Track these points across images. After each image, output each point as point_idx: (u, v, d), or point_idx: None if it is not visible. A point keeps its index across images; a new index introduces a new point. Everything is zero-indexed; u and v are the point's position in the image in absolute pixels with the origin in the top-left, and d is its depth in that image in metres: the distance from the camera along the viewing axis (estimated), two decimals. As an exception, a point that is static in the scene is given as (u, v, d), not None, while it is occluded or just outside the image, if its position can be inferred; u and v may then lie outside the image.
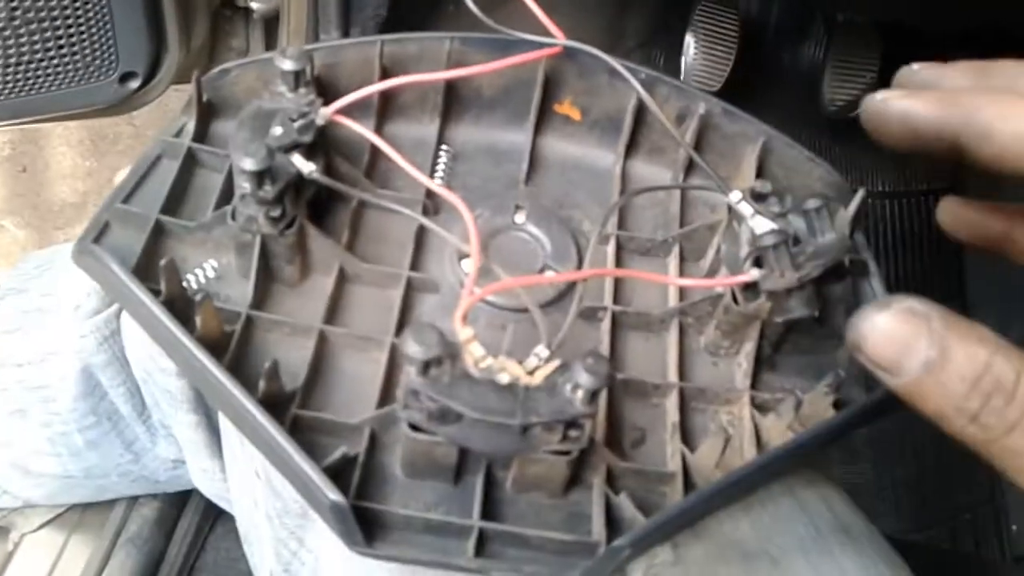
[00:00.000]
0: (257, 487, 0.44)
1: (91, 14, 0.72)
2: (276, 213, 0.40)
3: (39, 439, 0.60)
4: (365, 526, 0.36)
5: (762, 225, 0.39)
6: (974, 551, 0.91)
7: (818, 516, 0.42)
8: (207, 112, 0.47)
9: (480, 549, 0.37)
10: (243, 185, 0.39)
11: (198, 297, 0.38)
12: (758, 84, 0.97)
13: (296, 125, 0.41)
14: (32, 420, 0.60)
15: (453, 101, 0.50)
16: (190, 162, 0.45)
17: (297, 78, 0.42)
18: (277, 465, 0.37)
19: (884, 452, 0.97)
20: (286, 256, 0.42)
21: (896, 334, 0.30)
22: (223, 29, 0.96)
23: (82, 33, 0.72)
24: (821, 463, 0.46)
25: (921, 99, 0.33)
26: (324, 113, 0.42)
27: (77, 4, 0.70)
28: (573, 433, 0.35)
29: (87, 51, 0.74)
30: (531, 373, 0.34)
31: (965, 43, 0.86)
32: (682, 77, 0.96)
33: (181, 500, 0.76)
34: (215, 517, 0.79)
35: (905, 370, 0.30)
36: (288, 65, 0.41)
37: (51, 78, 0.74)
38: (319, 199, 0.44)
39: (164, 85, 0.82)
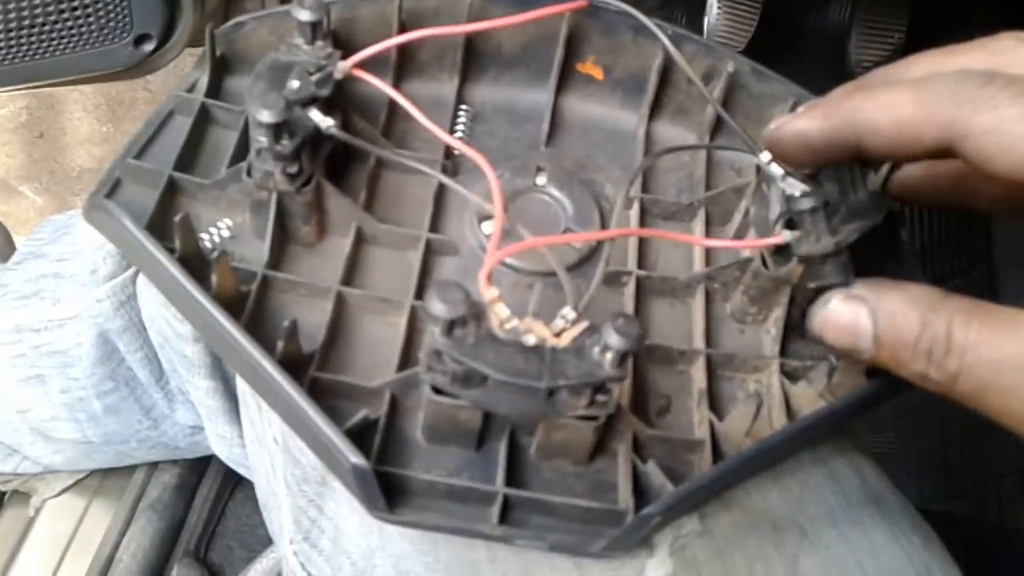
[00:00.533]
0: (275, 454, 0.44)
1: (104, -25, 0.71)
2: (293, 169, 0.39)
3: (58, 405, 0.60)
4: (387, 491, 0.35)
5: (794, 186, 0.37)
6: (999, 522, 0.90)
7: (848, 486, 0.41)
8: (221, 67, 0.46)
9: (504, 516, 0.36)
10: (260, 139, 0.38)
11: (214, 255, 0.37)
12: (782, 45, 0.95)
13: (314, 78, 0.39)
14: (51, 386, 0.59)
15: (473, 59, 0.48)
16: (203, 118, 0.44)
17: (315, 29, 0.41)
18: (296, 428, 0.36)
19: (909, 421, 0.96)
20: (302, 215, 0.41)
21: (843, 321, 0.34)
22: (238, -10, 0.95)
23: (96, -5, 0.71)
24: (851, 431, 0.45)
25: (807, 116, 0.34)
26: (342, 67, 0.41)
27: (90, -34, 0.69)
28: (600, 398, 0.34)
29: (101, 14, 0.73)
30: (558, 335, 0.33)
31: (990, 4, 0.84)
32: (705, 35, 0.94)
33: (201, 466, 0.76)
34: (235, 483, 0.79)
35: (863, 350, 0.33)
36: (305, 16, 0.40)
37: (65, 41, 0.73)
38: (336, 157, 0.43)
39: (179, 47, 0.81)
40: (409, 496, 0.36)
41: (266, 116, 0.36)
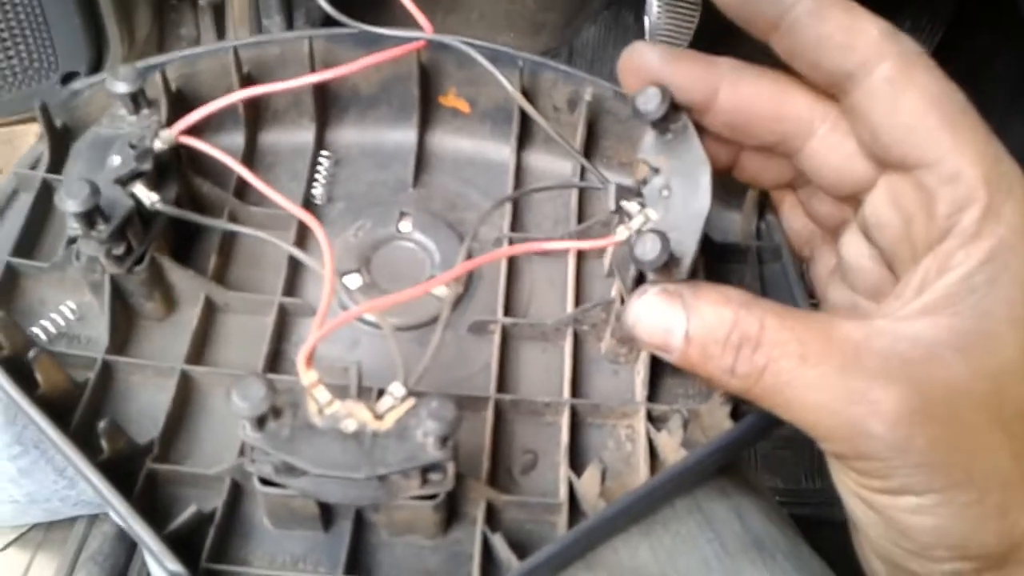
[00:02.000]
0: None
1: (22, 16, 0.70)
2: (119, 251, 0.38)
3: (-20, 468, 0.60)
4: None
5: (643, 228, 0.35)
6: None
7: (726, 532, 0.39)
8: (62, 138, 0.44)
9: None
10: (73, 226, 0.36)
11: (32, 354, 0.36)
12: (729, 37, 0.92)
13: (135, 152, 0.38)
14: (-29, 450, 0.59)
15: (330, 102, 0.47)
16: (46, 194, 0.43)
17: (135, 99, 0.39)
18: (128, 531, 0.35)
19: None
20: (143, 292, 0.40)
21: (656, 316, 0.33)
22: (170, 18, 0.93)
23: (15, 36, 0.70)
24: (737, 469, 0.43)
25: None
26: (167, 136, 0.39)
27: (7, 7, 0.68)
28: (434, 476, 0.32)
29: (23, 54, 0.72)
30: (381, 417, 0.32)
31: None
32: (647, 36, 0.91)
33: (143, 512, 0.76)
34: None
35: (672, 346, 0.33)
36: (122, 88, 0.38)
37: (-8, 84, 0.72)
38: (180, 226, 0.41)
39: (109, 82, 0.80)
40: None
41: (71, 206, 0.35)
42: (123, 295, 0.40)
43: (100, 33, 0.76)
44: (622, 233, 0.36)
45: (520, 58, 0.43)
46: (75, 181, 0.36)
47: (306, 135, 0.47)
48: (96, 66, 0.77)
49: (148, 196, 0.37)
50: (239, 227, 0.41)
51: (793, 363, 0.30)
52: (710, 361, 0.32)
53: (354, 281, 0.42)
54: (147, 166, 0.38)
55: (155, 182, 0.38)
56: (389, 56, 0.42)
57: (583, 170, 0.47)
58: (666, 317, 0.33)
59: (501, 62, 0.43)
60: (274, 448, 0.30)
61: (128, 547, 0.73)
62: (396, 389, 0.32)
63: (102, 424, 0.35)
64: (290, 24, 0.91)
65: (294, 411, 0.31)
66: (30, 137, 1.42)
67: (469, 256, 0.43)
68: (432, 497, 0.33)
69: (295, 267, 0.43)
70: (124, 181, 0.37)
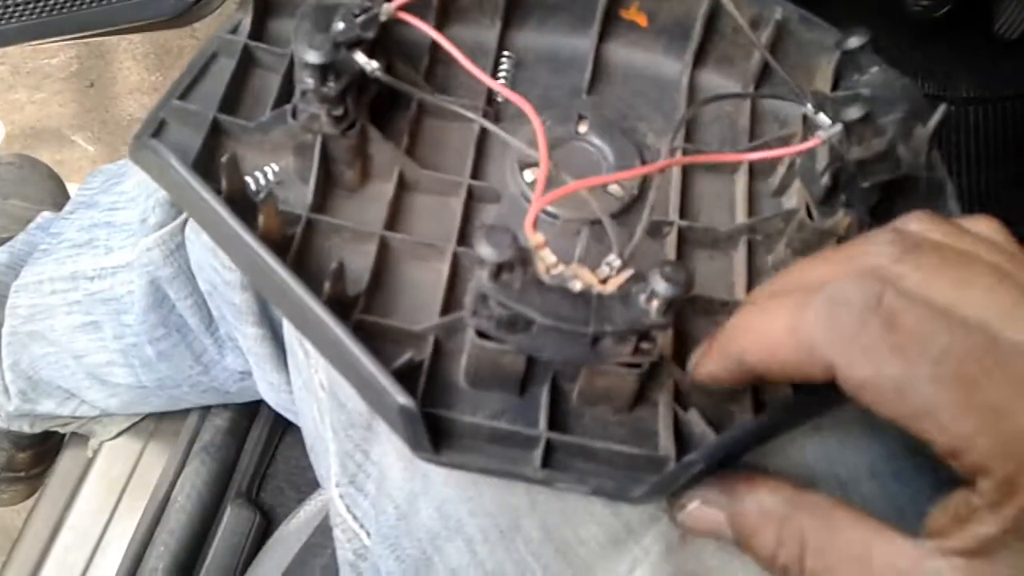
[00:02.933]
0: (322, 400, 0.45)
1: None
2: (338, 112, 0.39)
3: (112, 351, 0.62)
4: (431, 434, 0.35)
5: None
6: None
7: (892, 439, 0.41)
8: (264, 8, 0.45)
9: (547, 460, 0.35)
10: (306, 80, 0.37)
11: (260, 197, 0.37)
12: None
13: (359, 20, 0.39)
14: (105, 332, 0.61)
15: (515, 3, 0.48)
16: (247, 60, 0.44)
17: None
18: (342, 370, 0.36)
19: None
20: (346, 159, 0.41)
21: (704, 527, 0.35)
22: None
23: (142, -56, 0.71)
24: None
25: (706, 360, 0.35)
26: (387, 8, 0.40)
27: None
28: (645, 346, 0.33)
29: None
30: (603, 282, 0.33)
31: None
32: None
33: (251, 410, 0.78)
34: (284, 427, 0.81)
35: (725, 538, 0.35)
36: None
37: (113, -9, 0.74)
38: (378, 102, 0.42)
39: (224, -4, 0.81)
40: (453, 439, 0.36)
41: (313, 57, 0.36)
42: (328, 159, 0.41)
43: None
44: (823, 132, 0.37)
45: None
46: (315, 36, 0.37)
47: (486, 34, 0.48)
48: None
49: (368, 63, 0.39)
50: (450, 103, 0.43)
51: None
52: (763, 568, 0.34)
53: (532, 174, 0.44)
54: (371, 34, 0.39)
55: (368, 54, 0.40)
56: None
57: (756, 89, 0.48)
58: (713, 528, 0.35)
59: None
60: (507, 298, 0.31)
61: (239, 440, 0.75)
62: (613, 260, 0.34)
63: (334, 265, 0.36)
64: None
65: (524, 268, 0.32)
66: (120, 53, 1.44)
67: (643, 162, 0.45)
68: (637, 366, 0.35)
69: (479, 154, 0.44)
70: (348, 46, 0.39)
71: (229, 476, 0.75)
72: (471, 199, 0.43)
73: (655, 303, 0.32)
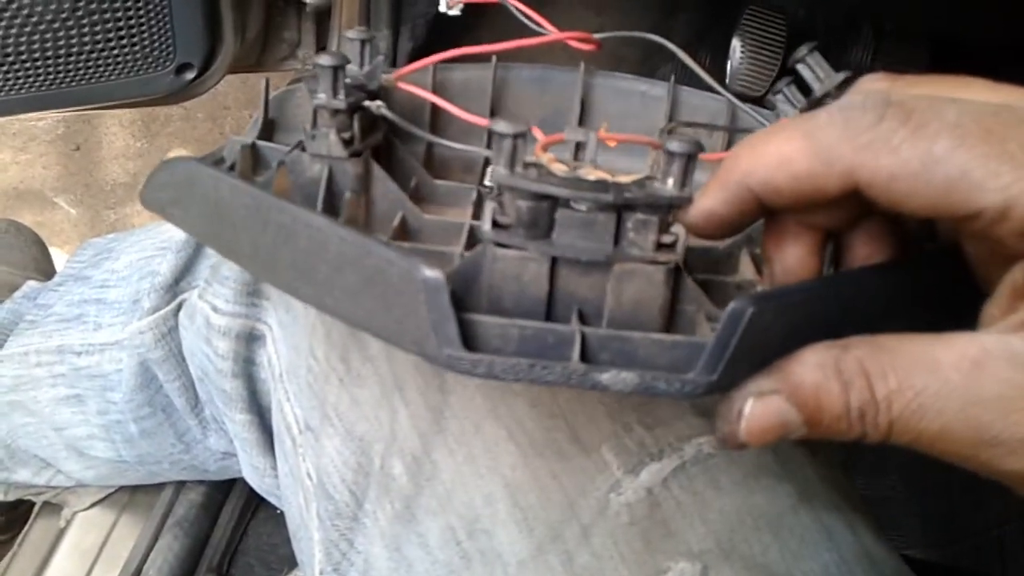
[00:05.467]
0: (308, 488, 0.46)
1: (151, 7, 0.74)
2: (347, 135, 0.42)
3: (95, 425, 0.63)
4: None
5: None
6: (1001, 571, 0.90)
7: (844, 543, 0.43)
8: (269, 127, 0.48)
9: (585, 357, 0.31)
10: (320, 96, 0.41)
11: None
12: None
13: (364, 70, 0.44)
14: (89, 406, 0.62)
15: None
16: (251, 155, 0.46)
17: (362, 47, 0.45)
18: (348, 296, 0.32)
19: (912, 463, 0.96)
20: (354, 187, 0.43)
21: (771, 425, 0.31)
22: (276, 20, 0.98)
23: (141, 25, 0.73)
24: (848, 491, 0.47)
25: (707, 194, 0.32)
26: (387, 77, 0.44)
27: (138, -3, 0.72)
28: (667, 239, 0.32)
29: (146, 43, 0.76)
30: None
31: (1013, 55, 0.85)
32: (727, 80, 0.96)
33: (226, 485, 0.79)
34: (257, 504, 0.81)
35: (797, 434, 0.31)
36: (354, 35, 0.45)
37: (110, 68, 0.76)
38: (383, 152, 0.45)
39: (218, 76, 0.84)
40: (481, 340, 0.31)
41: (326, 60, 0.39)
42: (333, 187, 0.43)
43: (217, 31, 0.80)
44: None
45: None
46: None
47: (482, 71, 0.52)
48: (208, 60, 0.81)
49: (373, 103, 0.42)
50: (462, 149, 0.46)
51: (914, 415, 0.28)
52: (843, 435, 0.30)
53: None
54: (375, 83, 0.44)
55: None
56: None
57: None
58: (779, 422, 0.30)
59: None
60: (525, 182, 0.30)
61: (213, 516, 0.76)
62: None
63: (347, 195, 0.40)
64: (396, 37, 0.95)
65: (538, 168, 0.32)
66: (107, 118, 1.45)
67: None
68: (664, 263, 0.32)
69: (480, 202, 0.46)
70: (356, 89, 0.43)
71: (201, 551, 0.75)
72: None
73: (671, 177, 0.31)
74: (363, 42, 0.44)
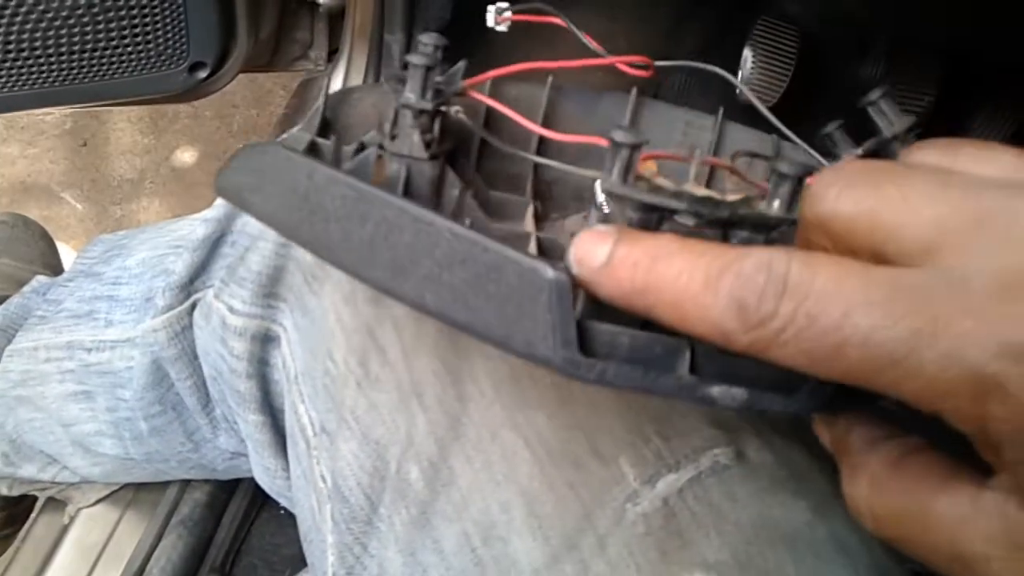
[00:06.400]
0: (322, 491, 0.46)
1: (166, 5, 0.74)
2: (427, 137, 0.42)
3: (103, 422, 0.63)
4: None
5: None
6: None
7: (859, 559, 0.43)
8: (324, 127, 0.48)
9: (693, 368, 0.31)
10: (408, 95, 0.40)
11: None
12: (814, 101, 0.97)
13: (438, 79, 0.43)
14: (98, 403, 0.62)
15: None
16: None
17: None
18: (453, 300, 0.32)
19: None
20: (429, 190, 0.43)
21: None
22: (289, 21, 0.98)
23: (156, 23, 0.73)
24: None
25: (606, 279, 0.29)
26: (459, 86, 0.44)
27: (153, -6, 0.72)
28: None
29: (160, 41, 0.76)
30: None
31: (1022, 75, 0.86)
32: (738, 90, 0.96)
33: (231, 485, 0.79)
34: (261, 503, 0.81)
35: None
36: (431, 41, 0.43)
37: (124, 65, 0.76)
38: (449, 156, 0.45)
39: (231, 75, 0.84)
40: (592, 346, 0.31)
41: (418, 59, 0.39)
42: (410, 187, 0.42)
43: (231, 30, 0.80)
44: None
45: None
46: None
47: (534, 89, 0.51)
48: (222, 60, 0.81)
49: (452, 108, 0.42)
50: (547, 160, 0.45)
51: None
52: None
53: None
54: (455, 88, 0.43)
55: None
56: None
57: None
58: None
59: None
60: (638, 193, 0.30)
61: (217, 515, 0.76)
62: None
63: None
64: (409, 40, 0.95)
65: (646, 181, 0.31)
66: (115, 114, 1.46)
67: None
68: None
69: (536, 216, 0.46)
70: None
71: (205, 551, 0.75)
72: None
73: (776, 202, 0.31)
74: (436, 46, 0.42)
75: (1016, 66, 0.86)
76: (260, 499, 0.80)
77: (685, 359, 0.31)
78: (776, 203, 0.31)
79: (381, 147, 0.42)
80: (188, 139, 1.50)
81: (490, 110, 0.47)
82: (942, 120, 0.92)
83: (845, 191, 0.26)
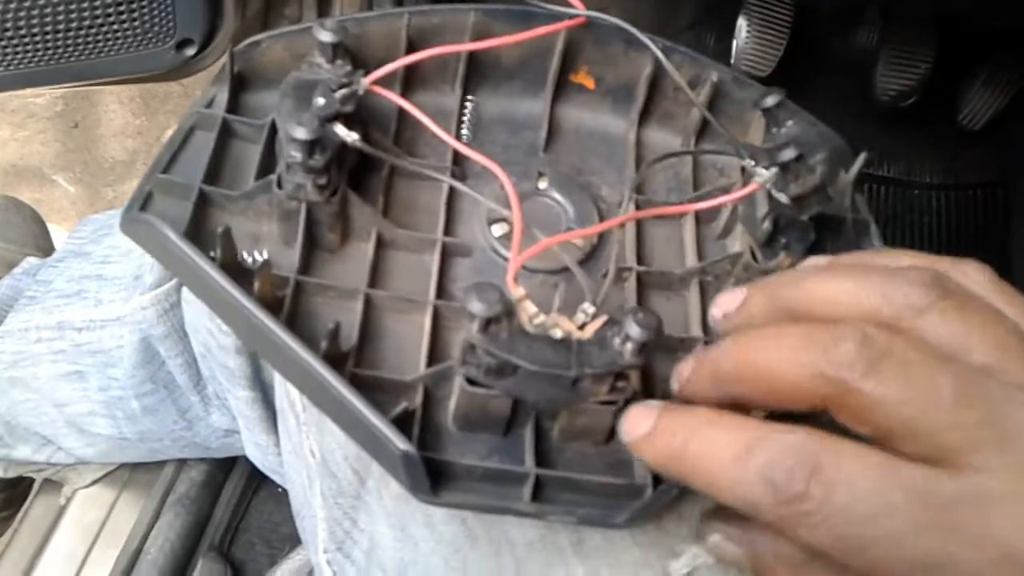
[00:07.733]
0: (312, 466, 0.46)
1: (149, -20, 0.73)
2: (323, 181, 0.41)
3: (96, 402, 0.62)
4: (429, 477, 0.36)
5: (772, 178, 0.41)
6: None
7: None
8: (238, 83, 0.47)
9: (536, 494, 0.37)
10: (293, 154, 0.39)
11: (255, 264, 0.39)
12: (809, 70, 0.96)
13: (338, 95, 0.41)
14: (90, 383, 0.62)
15: (473, 71, 0.50)
16: (225, 133, 0.46)
17: (335, 49, 0.43)
18: (341, 423, 0.38)
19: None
20: (329, 223, 0.43)
21: (726, 558, 0.36)
22: (277, -3, 0.97)
23: (142, 0, 0.73)
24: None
25: (695, 380, 0.35)
26: (363, 84, 0.42)
27: (136, -30, 0.71)
28: (620, 384, 0.36)
29: (146, 18, 0.75)
30: (581, 328, 0.35)
31: (1019, 40, 0.85)
32: (733, 60, 0.95)
33: (228, 464, 0.78)
34: (259, 482, 0.81)
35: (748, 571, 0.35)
36: (327, 37, 0.42)
37: (110, 43, 0.75)
38: (354, 168, 0.45)
39: (219, 52, 0.83)
40: (449, 479, 0.37)
41: (300, 133, 0.38)
42: (312, 224, 0.43)
43: (218, 6, 0.79)
44: (759, 178, 0.41)
45: (659, 41, 0.48)
46: (300, 113, 0.39)
47: (447, 99, 0.50)
48: (209, 37, 0.81)
49: (348, 134, 0.41)
50: (424, 166, 0.46)
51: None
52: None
53: (500, 229, 0.46)
54: (350, 107, 0.41)
55: (346, 125, 0.41)
56: (552, 29, 0.46)
57: (696, 145, 0.51)
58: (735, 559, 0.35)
59: (637, 44, 0.48)
60: (496, 348, 0.34)
61: (214, 494, 0.76)
62: (587, 307, 0.36)
63: (330, 325, 0.38)
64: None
65: (509, 319, 0.34)
66: (106, 95, 1.45)
67: (600, 214, 0.48)
68: (613, 403, 0.37)
69: (449, 211, 0.46)
70: (328, 120, 0.40)
71: (202, 529, 0.75)
72: (445, 255, 0.45)
73: (629, 346, 0.34)
74: (335, 46, 0.43)
75: (1011, 31, 0.85)
76: (257, 477, 0.80)
77: (529, 487, 0.37)
78: (628, 348, 0.34)
79: (279, 183, 0.42)
80: (179, 119, 1.49)
81: (401, 112, 0.47)
82: (940, 86, 0.91)
83: (874, 374, 0.28)
